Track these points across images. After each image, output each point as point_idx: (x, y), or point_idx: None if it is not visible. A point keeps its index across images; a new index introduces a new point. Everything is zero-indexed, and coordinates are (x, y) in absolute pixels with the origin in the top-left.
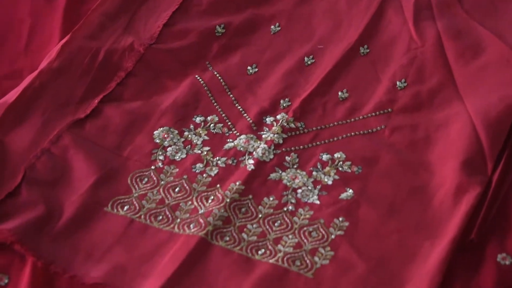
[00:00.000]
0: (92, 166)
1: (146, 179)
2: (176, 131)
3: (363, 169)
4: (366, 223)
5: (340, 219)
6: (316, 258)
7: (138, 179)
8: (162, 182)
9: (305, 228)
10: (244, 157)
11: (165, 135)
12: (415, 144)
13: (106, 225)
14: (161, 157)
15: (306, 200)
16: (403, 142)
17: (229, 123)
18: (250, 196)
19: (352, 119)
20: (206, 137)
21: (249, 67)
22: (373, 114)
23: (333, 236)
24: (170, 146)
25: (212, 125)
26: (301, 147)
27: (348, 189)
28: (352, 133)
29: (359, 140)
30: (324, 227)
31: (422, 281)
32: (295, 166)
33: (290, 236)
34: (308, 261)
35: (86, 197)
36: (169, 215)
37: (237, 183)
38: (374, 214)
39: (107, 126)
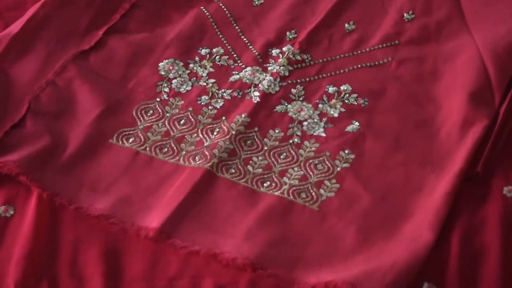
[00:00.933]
0: (96, 98)
1: (151, 111)
2: (181, 63)
3: (370, 102)
4: (372, 155)
5: (346, 151)
6: (321, 191)
7: (143, 111)
8: (167, 114)
9: (310, 161)
10: (249, 89)
11: (170, 67)
12: (422, 77)
13: (111, 157)
14: (166, 89)
15: (312, 132)
16: (410, 75)
17: (235, 55)
18: (256, 129)
19: (359, 51)
20: (211, 69)
21: None
22: (380, 46)
23: (338, 169)
24: (175, 78)
25: (217, 57)
26: (307, 79)
27: (354, 121)
28: (359, 66)
29: (365, 73)
30: (330, 159)
31: (428, 214)
32: (301, 99)
33: (296, 169)
34: (313, 193)
35: (91, 129)
36: (175, 147)
37: (243, 115)
38: (380, 146)
39: (111, 58)
